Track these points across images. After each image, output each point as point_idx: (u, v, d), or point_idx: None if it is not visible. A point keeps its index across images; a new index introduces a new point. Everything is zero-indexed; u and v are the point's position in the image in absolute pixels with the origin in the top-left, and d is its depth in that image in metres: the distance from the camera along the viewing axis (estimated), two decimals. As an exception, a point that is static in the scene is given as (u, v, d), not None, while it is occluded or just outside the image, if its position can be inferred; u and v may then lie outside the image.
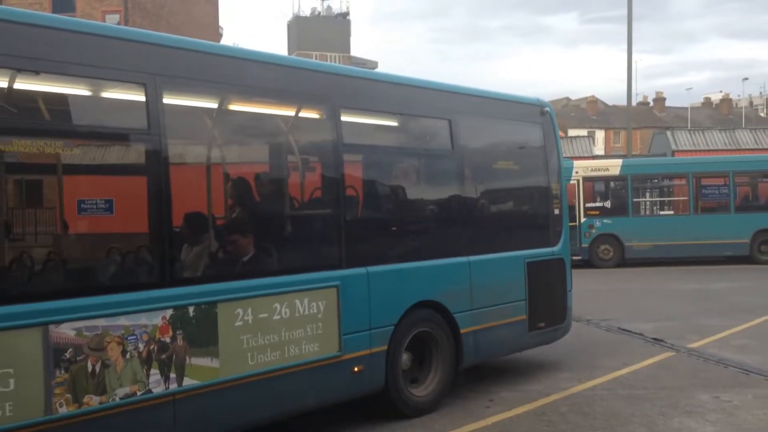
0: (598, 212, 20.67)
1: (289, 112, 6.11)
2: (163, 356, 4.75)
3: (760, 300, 13.31)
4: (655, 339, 9.73)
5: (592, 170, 21.11)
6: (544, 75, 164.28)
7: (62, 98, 4.79)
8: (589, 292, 13.10)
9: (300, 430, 6.14)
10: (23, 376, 4.13)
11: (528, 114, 8.26)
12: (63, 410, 4.28)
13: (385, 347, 6.20)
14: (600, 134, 61.28)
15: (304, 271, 5.73)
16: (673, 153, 25.32)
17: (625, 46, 23.99)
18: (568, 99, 63.64)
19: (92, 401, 4.41)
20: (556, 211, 8.36)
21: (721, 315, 11.68)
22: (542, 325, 7.88)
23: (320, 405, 5.89)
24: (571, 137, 37.70)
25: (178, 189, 4.97)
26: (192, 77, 5.20)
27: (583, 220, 20.46)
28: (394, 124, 7.05)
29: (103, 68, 4.71)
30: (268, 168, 6.24)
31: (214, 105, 5.59)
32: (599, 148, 57.19)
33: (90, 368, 4.42)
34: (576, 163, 21.33)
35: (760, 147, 26.09)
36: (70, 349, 4.32)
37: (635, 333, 10.14)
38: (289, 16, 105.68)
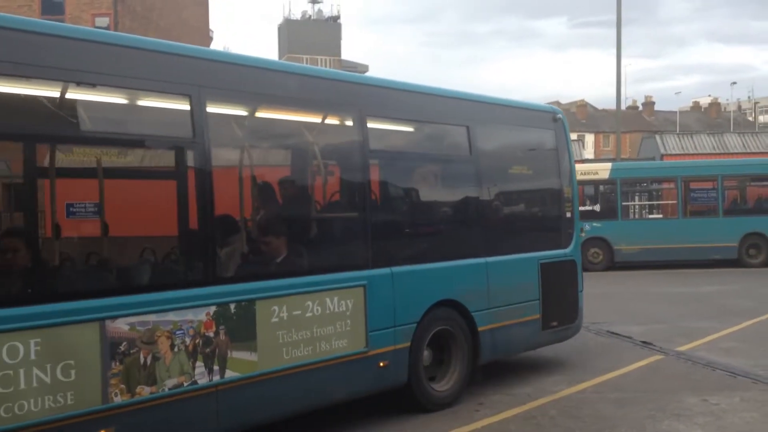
0: (588, 216, 20.74)
1: (320, 119, 6.51)
2: (207, 350, 5.08)
3: (748, 303, 13.41)
4: (644, 342, 9.78)
5: (581, 174, 21.16)
6: (535, 79, 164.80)
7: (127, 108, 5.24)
8: (578, 295, 13.12)
9: (298, 428, 6.21)
10: (83, 368, 4.44)
11: (541, 120, 8.59)
12: (118, 399, 4.61)
13: (408, 344, 6.51)
14: (590, 138, 61.57)
15: (333, 271, 6.06)
16: (662, 157, 25.46)
17: (614, 51, 24.12)
18: (558, 103, 63.89)
19: (144, 391, 4.73)
20: (568, 214, 8.68)
21: (710, 318, 11.74)
22: (555, 324, 8.18)
23: (349, 398, 6.21)
24: (561, 141, 37.77)
25: (221, 194, 5.36)
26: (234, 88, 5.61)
27: (573, 223, 20.50)
28: (417, 130, 7.39)
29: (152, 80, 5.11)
30: (302, 174, 6.63)
31: (252, 113, 5.98)
32: (589, 152, 57.47)
33: (142, 360, 4.73)
34: (566, 166, 21.37)
35: (749, 151, 26.27)
36: (125, 343, 4.64)
37: (624, 336, 10.19)
38: (280, 20, 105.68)
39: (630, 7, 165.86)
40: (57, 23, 4.86)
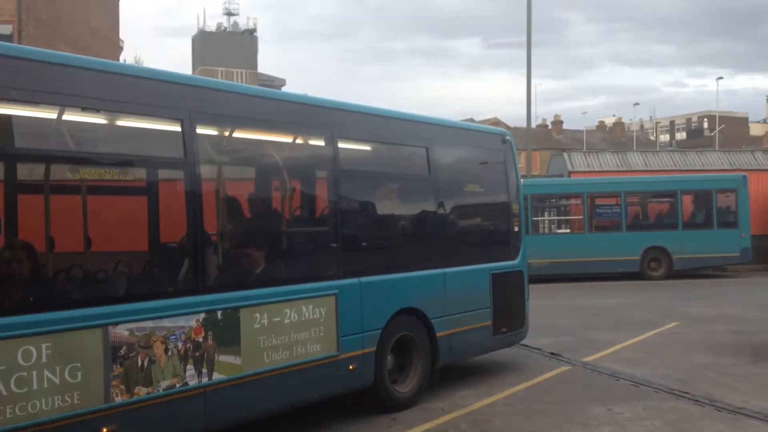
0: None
1: (293, 140, 7.02)
2: (197, 353, 5.52)
3: (650, 315, 13.96)
4: (552, 354, 10.01)
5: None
6: (450, 97, 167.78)
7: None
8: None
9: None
10: (88, 370, 4.84)
11: (492, 142, 9.32)
12: (118, 399, 5.00)
13: (374, 348, 7.03)
14: (502, 155, 62.88)
15: (309, 281, 6.57)
16: (569, 174, 26.31)
17: (525, 71, 24.83)
18: (472, 120, 65.19)
19: (141, 392, 5.14)
20: (516, 228, 9.29)
21: (614, 329, 12.14)
22: (505, 330, 8.80)
23: (322, 398, 6.75)
24: (474, 157, 38.44)
25: (208, 211, 5.85)
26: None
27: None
28: (382, 151, 7.94)
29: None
30: (279, 192, 7.11)
31: (230, 135, 6.41)
32: (501, 168, 58.60)
33: (140, 363, 5.15)
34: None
35: (650, 168, 27.46)
36: (125, 347, 5.06)
37: (534, 348, 10.40)
38: (194, 31, 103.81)
39: (540, 30, 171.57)
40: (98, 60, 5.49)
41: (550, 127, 67.42)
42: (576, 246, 21.67)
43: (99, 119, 5.39)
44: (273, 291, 6.15)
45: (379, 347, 7.09)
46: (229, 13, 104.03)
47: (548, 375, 8.77)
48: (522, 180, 22.89)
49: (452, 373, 8.60)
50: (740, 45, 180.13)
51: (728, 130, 69.80)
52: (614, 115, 75.14)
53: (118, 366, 5.01)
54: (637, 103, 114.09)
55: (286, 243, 6.95)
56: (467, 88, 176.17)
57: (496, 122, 66.64)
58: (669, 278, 21.53)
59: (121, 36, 42.77)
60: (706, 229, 22.04)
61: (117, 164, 5.64)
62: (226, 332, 5.71)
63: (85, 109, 5.20)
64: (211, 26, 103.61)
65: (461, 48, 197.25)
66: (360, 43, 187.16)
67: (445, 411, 7.23)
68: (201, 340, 5.53)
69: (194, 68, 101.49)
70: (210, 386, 5.58)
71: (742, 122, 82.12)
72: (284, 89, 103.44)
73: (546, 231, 23.57)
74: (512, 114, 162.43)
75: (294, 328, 6.24)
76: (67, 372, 4.72)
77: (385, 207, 7.89)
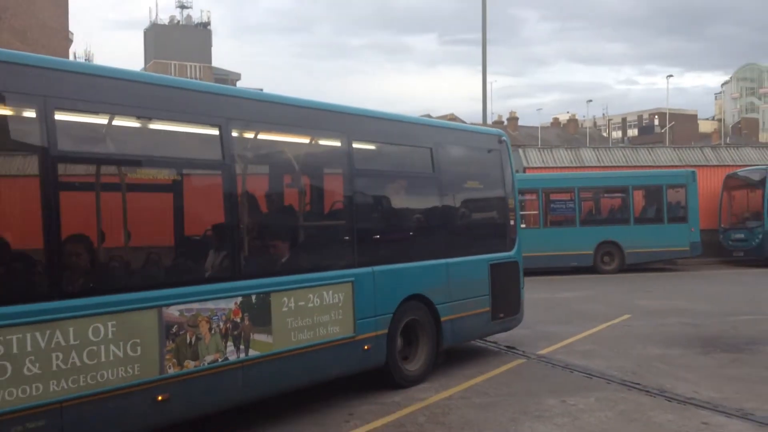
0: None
1: (314, 143, 7.69)
2: (235, 332, 6.24)
3: (602, 308, 14.18)
4: (507, 347, 10.11)
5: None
6: (407, 92, 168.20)
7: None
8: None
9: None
10: (146, 345, 5.54)
11: (489, 142, 10.00)
12: (171, 371, 5.71)
13: (386, 331, 7.75)
14: (458, 151, 63.27)
15: (329, 269, 7.28)
16: (524, 170, 26.56)
17: (480, 68, 24.99)
18: (429, 116, 65.42)
19: (190, 365, 5.85)
20: (512, 222, 9.99)
21: (568, 322, 12.30)
22: (502, 315, 9.52)
23: (341, 375, 7.42)
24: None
25: (244, 208, 6.65)
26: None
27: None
28: (392, 152, 8.63)
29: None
30: (303, 190, 7.77)
31: (265, 139, 7.18)
32: (457, 164, 59.00)
33: (188, 340, 5.85)
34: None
35: (602, 164, 27.89)
36: (176, 325, 5.76)
37: (489, 341, 10.49)
38: (146, 24, 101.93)
39: (495, 28, 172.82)
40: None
41: (505, 123, 68.06)
42: (531, 241, 21.85)
43: (154, 125, 6.16)
44: (298, 278, 6.88)
45: (391, 330, 7.81)
46: (182, 6, 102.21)
47: (504, 368, 8.86)
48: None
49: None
50: (690, 44, 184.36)
51: (678, 127, 71.42)
52: (568, 112, 76.28)
53: (171, 342, 5.72)
54: (590, 100, 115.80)
55: (309, 236, 7.66)
56: (424, 84, 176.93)
57: (452, 118, 66.92)
58: (621, 272, 21.95)
59: (71, 28, 41.78)
60: (656, 224, 22.55)
61: (169, 165, 6.26)
62: (259, 314, 6.43)
63: (140, 117, 6.01)
64: (164, 19, 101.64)
65: (418, 44, 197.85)
66: (316, 38, 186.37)
67: (402, 405, 7.25)
68: (238, 320, 6.26)
69: (146, 62, 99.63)
70: (246, 361, 6.30)
71: (692, 119, 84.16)
72: (239, 84, 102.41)
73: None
74: (468, 110, 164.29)
75: (316, 312, 6.97)
76: (128, 346, 5.44)
77: (394, 202, 8.57)
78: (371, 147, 8.28)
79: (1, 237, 5.12)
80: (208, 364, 5.98)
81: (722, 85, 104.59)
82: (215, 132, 6.36)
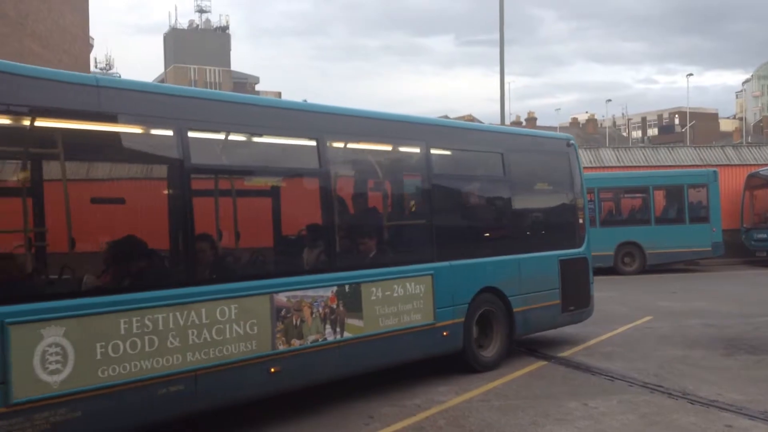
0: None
1: (397, 150, 8.64)
2: (332, 317, 7.15)
3: (624, 309, 14.07)
4: (528, 349, 10.05)
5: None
6: (424, 93, 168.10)
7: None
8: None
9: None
10: (262, 325, 6.54)
11: (558, 146, 10.77)
12: (281, 347, 6.68)
13: (462, 319, 8.54)
14: (476, 152, 62.98)
15: (411, 263, 8.13)
16: (544, 170, 26.36)
17: (498, 68, 24.92)
18: (447, 117, 65.39)
19: (296, 343, 6.81)
20: (581, 220, 10.61)
21: (590, 324, 12.08)
22: (572, 308, 10.16)
23: (422, 358, 8.25)
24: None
25: (337, 209, 7.59)
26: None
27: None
28: (465, 157, 9.38)
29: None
30: (387, 192, 8.77)
31: (353, 147, 8.08)
32: (476, 165, 58.78)
33: (294, 322, 6.80)
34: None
35: (622, 164, 27.74)
36: (284, 309, 6.73)
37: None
38: (166, 28, 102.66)
39: (512, 28, 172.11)
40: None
41: (524, 124, 67.83)
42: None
43: (264, 140, 7.28)
44: (384, 271, 7.76)
45: (467, 318, 8.58)
46: (201, 10, 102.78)
47: (525, 370, 8.83)
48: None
49: (427, 369, 8.63)
50: (709, 42, 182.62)
51: (699, 126, 70.76)
52: (587, 112, 75.85)
53: (280, 323, 6.68)
54: (609, 100, 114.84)
55: (393, 233, 8.55)
56: (441, 85, 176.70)
57: (470, 119, 66.81)
58: (642, 273, 21.79)
59: (91, 33, 42.18)
60: (678, 224, 22.35)
61: (276, 174, 7.48)
62: (351, 301, 7.33)
63: (254, 133, 7.10)
64: (183, 24, 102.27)
65: (435, 45, 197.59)
66: (332, 40, 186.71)
67: (422, 408, 7.25)
68: (335, 306, 7.18)
69: (166, 66, 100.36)
70: (341, 342, 7.21)
71: (713, 118, 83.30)
72: (258, 87, 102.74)
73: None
74: (486, 111, 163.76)
75: (400, 301, 7.81)
76: (247, 326, 6.41)
77: (468, 203, 9.43)
78: (447, 153, 9.07)
79: (146, 236, 6.18)
80: (311, 342, 6.93)
81: (743, 83, 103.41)
82: (313, 143, 7.36)
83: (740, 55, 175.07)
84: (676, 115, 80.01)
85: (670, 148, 30.58)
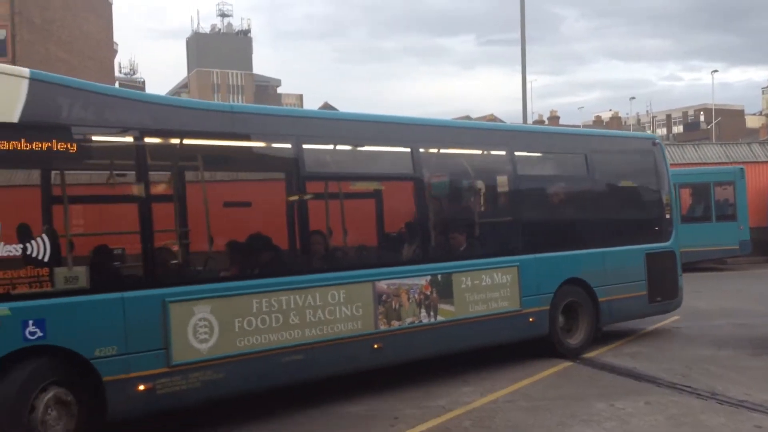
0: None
1: (484, 154, 9.46)
2: (426, 302, 7.97)
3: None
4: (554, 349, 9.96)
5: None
6: (445, 94, 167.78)
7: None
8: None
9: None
10: (365, 308, 7.48)
11: (643, 145, 11.40)
12: (382, 327, 7.59)
13: (548, 307, 9.19)
14: (499, 151, 62.68)
15: (498, 255, 8.83)
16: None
17: (519, 67, 24.78)
18: (468, 117, 65.17)
19: (395, 323, 7.69)
20: (668, 216, 11.01)
21: (615, 324, 12.10)
22: (659, 299, 10.60)
23: (510, 340, 8.94)
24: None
25: (429, 207, 8.53)
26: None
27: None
28: (550, 159, 10.18)
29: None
30: (478, 192, 9.43)
31: (441, 153, 8.97)
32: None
33: (393, 305, 7.68)
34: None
35: (647, 162, 27.35)
36: (384, 295, 7.63)
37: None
38: (188, 33, 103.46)
39: (533, 27, 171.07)
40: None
41: (546, 122, 67.51)
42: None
43: (366, 149, 8.29)
44: (473, 263, 8.52)
45: (552, 306, 9.22)
46: (222, 14, 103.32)
47: (550, 371, 8.76)
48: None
49: (453, 369, 8.63)
50: (733, 38, 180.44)
51: (724, 122, 69.94)
52: (610, 110, 75.26)
53: (381, 306, 7.57)
54: (633, 97, 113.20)
55: (482, 229, 9.31)
56: (462, 85, 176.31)
57: (492, 119, 66.63)
58: (668, 272, 21.46)
59: (115, 39, 42.59)
60: (704, 223, 22.08)
61: (377, 178, 8.55)
62: (444, 289, 8.12)
63: (357, 144, 8.15)
64: (205, 28, 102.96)
65: (455, 45, 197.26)
66: (352, 42, 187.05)
67: (447, 409, 7.21)
68: (428, 293, 7.98)
69: (189, 70, 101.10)
70: (435, 324, 8.03)
71: (738, 115, 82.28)
72: (280, 90, 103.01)
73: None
74: (508, 110, 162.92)
75: (488, 289, 8.54)
76: (353, 308, 7.37)
77: (552, 201, 9.98)
78: (530, 155, 9.76)
79: (270, 232, 7.37)
80: (408, 324, 7.77)
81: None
82: (407, 151, 8.24)
83: (766, 51, 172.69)
84: (702, 112, 79.15)
85: (695, 146, 30.28)
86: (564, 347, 9.38)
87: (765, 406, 6.88)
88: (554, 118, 67.36)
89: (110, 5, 40.89)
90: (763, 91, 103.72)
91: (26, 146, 5.58)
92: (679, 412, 6.85)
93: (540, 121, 67.67)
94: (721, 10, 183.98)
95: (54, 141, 5.74)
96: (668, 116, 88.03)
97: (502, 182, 9.43)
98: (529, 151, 9.75)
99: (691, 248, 21.51)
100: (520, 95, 25.77)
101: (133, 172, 6.38)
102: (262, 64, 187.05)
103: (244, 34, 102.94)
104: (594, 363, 9.12)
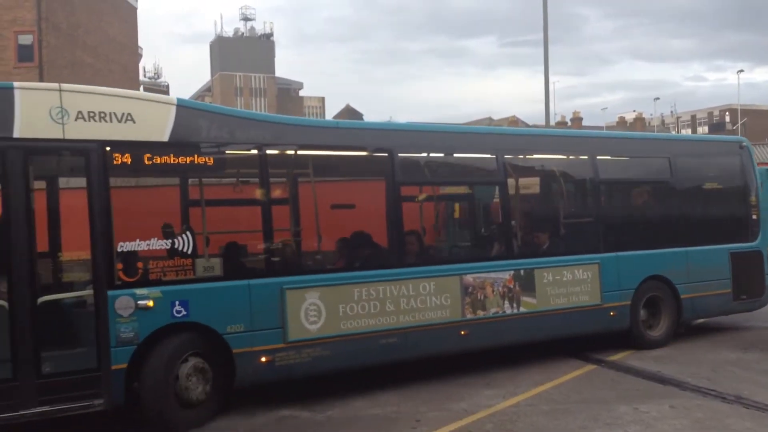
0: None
1: (567, 159, 10.05)
2: (510, 294, 8.74)
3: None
4: (576, 352, 9.89)
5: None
6: (467, 95, 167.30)
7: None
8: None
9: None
10: (453, 298, 8.32)
11: (729, 148, 11.56)
12: (468, 315, 8.42)
13: (629, 302, 9.73)
14: (521, 153, 62.27)
15: (580, 253, 9.44)
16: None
17: (542, 68, 24.64)
18: (490, 119, 64.80)
19: (480, 313, 8.49)
20: (754, 217, 11.24)
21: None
22: (744, 297, 10.85)
23: (591, 332, 9.50)
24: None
25: (514, 209, 9.33)
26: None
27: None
28: (632, 163, 10.59)
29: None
30: (561, 195, 10.15)
31: (526, 158, 9.77)
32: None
33: (478, 297, 8.49)
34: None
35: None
36: (471, 287, 8.46)
37: (557, 347, 10.26)
38: (212, 37, 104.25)
39: (555, 27, 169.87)
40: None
41: (569, 124, 66.60)
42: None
43: (456, 157, 9.23)
44: (555, 259, 9.16)
45: (633, 301, 9.73)
46: (245, 18, 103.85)
47: (573, 374, 8.68)
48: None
49: (474, 373, 8.61)
50: (759, 37, 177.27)
51: (751, 123, 68.59)
52: (634, 111, 74.24)
53: (468, 297, 8.39)
54: (657, 98, 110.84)
55: (565, 229, 9.78)
56: (484, 86, 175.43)
57: (514, 121, 66.27)
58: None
59: (139, 43, 43.01)
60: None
61: (466, 183, 9.59)
62: (526, 283, 8.85)
63: (446, 153, 9.14)
64: (229, 32, 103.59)
65: (477, 47, 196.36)
66: (375, 45, 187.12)
67: (469, 412, 7.18)
68: (512, 286, 8.74)
69: (212, 74, 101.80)
70: (518, 315, 8.77)
71: (765, 115, 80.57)
72: (302, 93, 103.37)
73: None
74: (531, 111, 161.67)
75: (570, 284, 9.17)
76: (443, 298, 8.22)
77: (632, 202, 10.62)
78: (611, 159, 10.24)
79: (370, 231, 8.35)
80: (492, 314, 8.55)
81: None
82: (493, 157, 9.06)
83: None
84: (727, 113, 77.60)
85: (721, 147, 29.78)
86: (645, 339, 9.93)
87: (792, 411, 6.76)
88: (577, 120, 66.61)
89: (135, 10, 41.28)
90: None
91: (174, 160, 6.89)
92: (704, 416, 6.77)
93: (563, 123, 66.99)
94: (745, 9, 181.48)
95: (195, 155, 7.04)
96: (693, 117, 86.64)
97: (584, 185, 10.06)
98: (611, 156, 10.29)
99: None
100: (542, 96, 25.53)
101: (257, 180, 7.50)
102: (285, 67, 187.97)
103: (267, 38, 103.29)
104: (618, 366, 9.03)
